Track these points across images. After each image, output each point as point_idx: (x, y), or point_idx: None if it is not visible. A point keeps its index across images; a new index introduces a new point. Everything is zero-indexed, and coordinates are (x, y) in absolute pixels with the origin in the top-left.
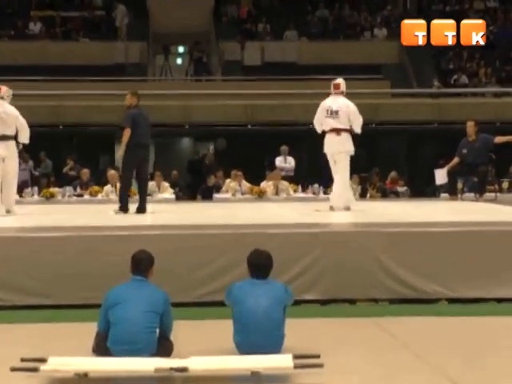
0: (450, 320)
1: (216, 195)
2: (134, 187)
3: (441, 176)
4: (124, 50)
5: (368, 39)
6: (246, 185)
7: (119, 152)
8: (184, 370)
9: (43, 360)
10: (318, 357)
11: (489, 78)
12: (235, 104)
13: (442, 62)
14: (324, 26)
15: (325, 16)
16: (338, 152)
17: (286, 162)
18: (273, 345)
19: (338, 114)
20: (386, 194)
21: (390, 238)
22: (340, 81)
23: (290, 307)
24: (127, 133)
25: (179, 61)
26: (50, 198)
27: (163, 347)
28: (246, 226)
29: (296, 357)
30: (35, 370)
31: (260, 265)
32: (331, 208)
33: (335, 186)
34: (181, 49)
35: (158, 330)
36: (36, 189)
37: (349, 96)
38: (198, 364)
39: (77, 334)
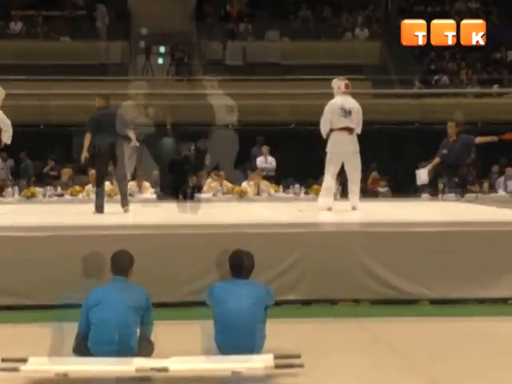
0: (432, 321)
1: (197, 195)
2: (114, 186)
3: (422, 176)
4: (105, 50)
5: (349, 39)
6: (226, 185)
7: (82, 155)
8: (164, 370)
9: (24, 360)
10: (298, 357)
11: (470, 79)
12: None
13: (424, 62)
14: (306, 27)
15: (307, 16)
16: (353, 152)
17: (266, 162)
18: (254, 345)
19: (351, 114)
20: (366, 194)
21: (371, 239)
22: (347, 81)
23: (271, 308)
24: (87, 137)
25: (161, 61)
26: (30, 197)
27: (144, 347)
28: (229, 226)
29: (277, 357)
30: (16, 370)
31: (242, 265)
32: (353, 208)
33: (356, 187)
34: (162, 49)
35: (138, 331)
36: (17, 188)
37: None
38: (178, 364)
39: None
